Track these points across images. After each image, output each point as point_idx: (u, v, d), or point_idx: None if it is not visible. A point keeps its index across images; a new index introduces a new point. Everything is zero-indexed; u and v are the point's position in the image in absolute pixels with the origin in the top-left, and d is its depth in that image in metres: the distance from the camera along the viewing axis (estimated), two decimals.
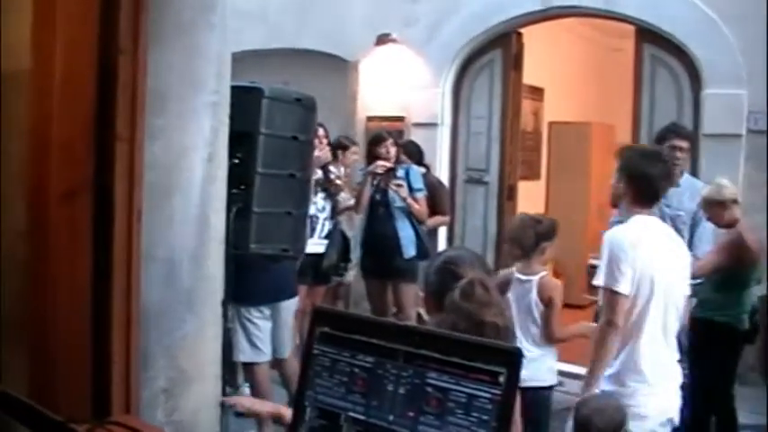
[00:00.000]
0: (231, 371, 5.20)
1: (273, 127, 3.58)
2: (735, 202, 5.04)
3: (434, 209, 6.96)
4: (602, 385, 3.63)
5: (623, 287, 3.56)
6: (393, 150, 6.65)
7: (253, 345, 4.88)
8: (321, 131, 6.09)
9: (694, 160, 6.14)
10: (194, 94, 2.75)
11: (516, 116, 8.53)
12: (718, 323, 5.00)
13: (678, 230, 5.65)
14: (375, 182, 6.58)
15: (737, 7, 6.74)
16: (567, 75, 10.38)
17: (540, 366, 4.37)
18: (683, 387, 4.87)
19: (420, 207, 6.60)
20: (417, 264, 6.56)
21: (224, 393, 3.27)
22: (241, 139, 3.33)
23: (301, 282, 5.62)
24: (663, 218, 5.67)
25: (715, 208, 5.05)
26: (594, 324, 4.21)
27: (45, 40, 2.50)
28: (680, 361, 3.83)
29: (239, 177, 3.35)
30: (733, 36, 6.80)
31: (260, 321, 4.90)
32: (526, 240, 4.49)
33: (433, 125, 8.49)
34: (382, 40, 8.73)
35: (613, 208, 4.06)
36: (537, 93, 10.10)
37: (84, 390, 2.50)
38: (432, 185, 7.07)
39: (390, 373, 1.69)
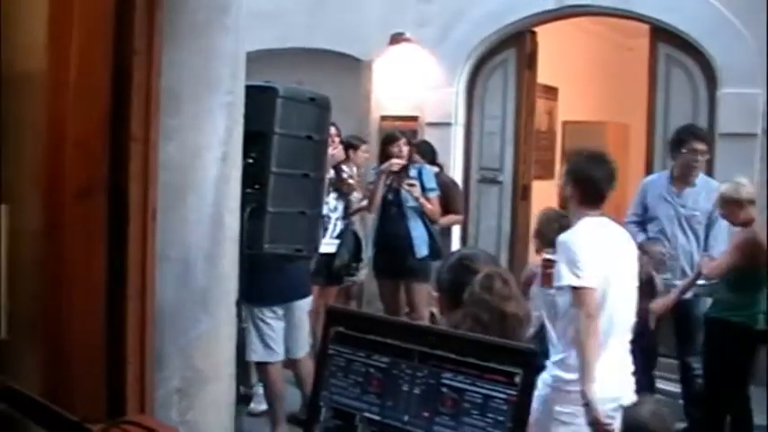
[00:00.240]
0: (244, 371, 5.21)
1: (288, 126, 3.57)
2: (751, 201, 5.02)
3: (448, 208, 6.94)
4: (554, 371, 3.74)
5: (587, 281, 3.64)
6: (406, 149, 6.65)
7: (266, 345, 4.88)
8: (333, 130, 6.09)
9: (709, 160, 6.10)
10: (209, 94, 2.75)
11: (530, 116, 8.51)
12: (733, 323, 4.97)
13: (693, 230, 5.66)
14: (388, 181, 6.57)
15: (754, 6, 6.69)
16: (581, 74, 10.35)
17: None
18: (687, 384, 4.85)
19: (433, 207, 6.59)
20: (430, 263, 6.55)
21: (238, 393, 3.27)
22: (255, 139, 3.33)
23: (314, 282, 5.62)
24: (678, 218, 5.69)
25: (731, 206, 5.03)
26: None
27: (60, 41, 2.50)
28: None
29: (253, 177, 3.35)
30: (749, 35, 6.76)
31: (273, 321, 4.90)
32: (551, 234, 4.50)
33: (446, 125, 8.47)
34: (396, 39, 8.72)
35: (561, 209, 4.25)
36: (551, 92, 10.07)
37: (98, 389, 2.51)
38: (445, 185, 7.06)
39: (405, 374, 1.69)
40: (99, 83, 2.46)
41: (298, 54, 9.09)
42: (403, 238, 6.48)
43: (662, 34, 7.45)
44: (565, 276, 3.68)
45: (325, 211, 5.88)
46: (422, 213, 6.54)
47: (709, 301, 5.31)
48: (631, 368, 3.87)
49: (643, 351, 5.00)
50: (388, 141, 6.75)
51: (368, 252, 6.86)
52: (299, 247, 3.69)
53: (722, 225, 5.40)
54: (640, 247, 5.88)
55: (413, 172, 6.63)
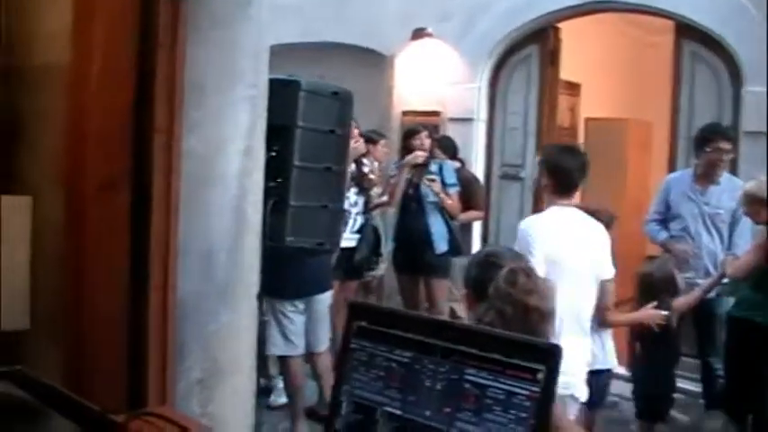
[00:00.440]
0: (263, 364, 5.22)
1: (310, 120, 3.57)
2: None
3: (469, 204, 6.93)
4: None
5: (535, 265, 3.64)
6: (428, 143, 6.64)
7: (286, 338, 4.89)
8: (352, 124, 6.08)
9: (733, 158, 6.04)
10: (232, 87, 2.75)
11: (553, 112, 8.47)
12: (755, 323, 4.93)
13: (717, 229, 5.62)
14: (409, 175, 6.57)
15: None
16: (604, 70, 10.28)
17: (595, 350, 4.41)
18: (708, 383, 4.82)
19: (453, 202, 6.58)
20: (449, 259, 6.55)
21: (258, 386, 3.28)
22: (278, 132, 3.32)
23: (334, 276, 5.62)
24: (702, 216, 5.65)
25: (755, 204, 4.99)
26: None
27: (84, 33, 2.52)
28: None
29: (276, 170, 3.34)
30: None
31: (294, 315, 4.90)
32: None
33: (468, 120, 8.44)
34: (418, 34, 8.70)
35: (538, 200, 4.42)
36: (573, 88, 10.01)
37: (120, 381, 2.52)
38: (466, 180, 7.04)
39: (428, 369, 1.68)
40: (122, 75, 2.47)
41: (320, 48, 9.09)
42: (422, 233, 6.47)
43: (686, 31, 7.38)
44: None
45: (345, 205, 5.88)
46: (442, 209, 6.53)
47: (731, 300, 5.27)
48: (588, 358, 3.97)
49: (664, 350, 4.99)
50: (409, 135, 6.75)
51: (387, 247, 6.86)
52: (321, 241, 3.69)
53: (746, 224, 5.36)
54: (663, 245, 5.87)
55: (433, 167, 6.62)
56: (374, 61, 8.93)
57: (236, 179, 2.72)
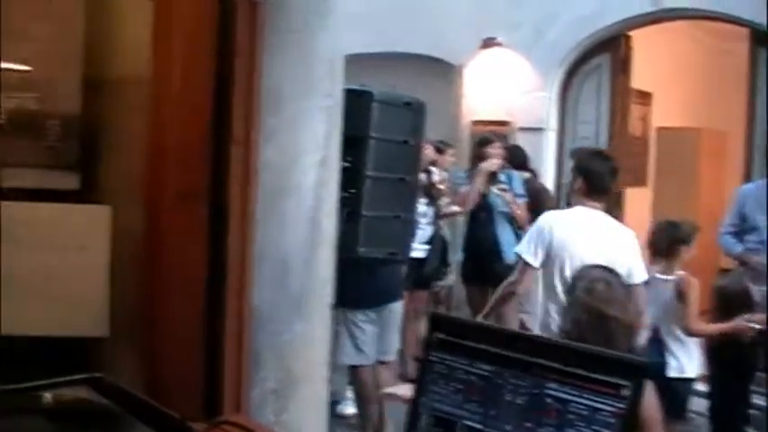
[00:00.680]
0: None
1: (383, 131, 3.57)
2: None
3: (538, 214, 6.86)
4: None
5: (531, 259, 4.18)
6: (500, 153, 6.62)
7: (357, 348, 4.89)
8: None
9: None
10: (308, 97, 2.76)
11: (624, 121, 8.38)
12: None
13: None
14: (481, 186, 6.55)
15: None
16: (676, 78, 10.13)
17: (681, 359, 4.64)
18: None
19: (521, 213, 6.54)
20: None
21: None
22: (351, 143, 3.33)
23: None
24: None
25: None
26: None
27: (163, 44, 2.54)
28: None
29: (349, 181, 3.35)
30: None
31: (365, 325, 4.90)
32: (662, 244, 4.79)
33: (538, 130, 8.39)
34: (487, 43, 8.69)
35: (569, 205, 4.56)
36: (645, 97, 9.88)
37: (196, 389, 2.54)
38: (536, 191, 6.99)
39: (509, 383, 1.66)
40: (201, 85, 2.49)
41: (389, 58, 9.11)
42: (491, 243, 6.45)
43: (762, 38, 7.23)
44: (522, 246, 4.26)
45: None
46: (511, 219, 6.49)
47: None
48: None
49: (738, 364, 4.90)
50: (482, 144, 6.74)
51: (455, 257, 6.84)
52: (394, 251, 3.69)
53: None
54: (738, 258, 5.76)
55: (502, 177, 6.59)
56: (443, 71, 8.93)
57: (312, 190, 2.73)
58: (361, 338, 4.88)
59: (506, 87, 8.58)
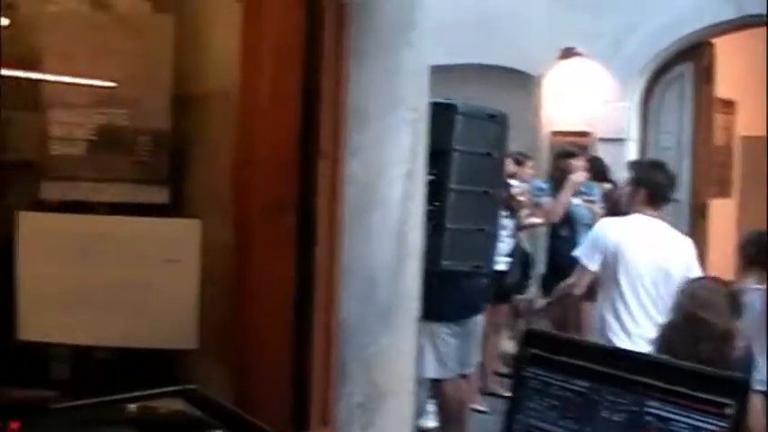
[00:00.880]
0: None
1: (467, 143, 3.56)
2: None
3: None
4: None
5: (591, 264, 4.46)
6: (582, 165, 6.55)
7: (440, 361, 4.87)
8: None
9: None
10: (393, 110, 2.75)
11: (708, 131, 8.21)
12: None
13: None
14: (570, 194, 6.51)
15: None
16: (760, 86, 9.89)
17: None
18: None
19: None
20: None
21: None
22: (435, 156, 3.32)
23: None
24: None
25: None
26: None
27: (252, 58, 2.57)
28: None
29: (433, 194, 3.34)
30: None
31: (449, 338, 4.88)
32: (752, 254, 4.78)
33: (619, 140, 8.28)
34: (566, 53, 8.61)
35: (625, 214, 4.70)
36: (728, 106, 9.67)
37: (283, 401, 2.55)
38: (616, 202, 6.87)
39: (606, 400, 1.63)
40: (289, 100, 2.51)
41: (466, 70, 9.08)
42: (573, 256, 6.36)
43: None
44: (580, 251, 4.55)
45: None
46: None
47: None
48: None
49: None
50: (564, 156, 6.68)
51: (536, 270, 6.78)
52: (478, 264, 3.67)
53: None
54: None
55: (583, 189, 6.52)
56: (521, 82, 8.87)
57: (399, 203, 2.72)
58: (444, 351, 4.86)
59: (586, 98, 8.49)
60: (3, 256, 2.72)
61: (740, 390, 1.49)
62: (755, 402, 1.99)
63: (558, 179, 6.59)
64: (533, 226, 6.76)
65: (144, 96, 2.83)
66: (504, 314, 6.63)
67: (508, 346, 7.47)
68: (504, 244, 6.30)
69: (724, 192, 9.61)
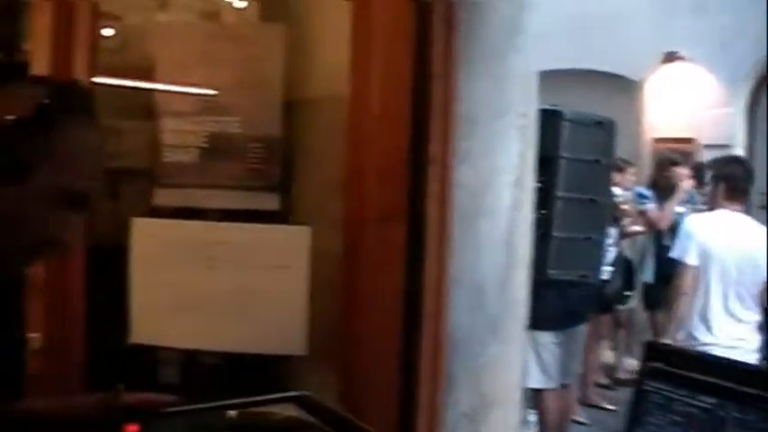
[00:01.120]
0: None
1: (574, 150, 3.49)
2: None
3: None
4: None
5: (690, 259, 4.46)
6: (687, 173, 6.42)
7: (544, 370, 4.80)
8: None
9: None
10: (502, 117, 2.73)
11: None
12: None
13: None
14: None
15: None
16: None
17: None
18: None
19: None
20: None
21: None
22: (541, 163, 3.27)
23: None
24: None
25: None
26: None
27: (363, 68, 2.57)
28: None
29: (539, 201, 3.29)
30: None
31: (553, 347, 4.81)
32: None
33: (725, 147, 8.03)
34: (669, 58, 8.43)
35: (710, 210, 4.78)
36: None
37: (391, 410, 2.54)
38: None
39: (733, 417, 1.57)
40: (399, 108, 2.51)
41: (565, 76, 8.96)
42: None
43: None
44: (677, 251, 4.59)
45: None
46: None
47: None
48: (737, 336, 4.41)
49: None
50: (668, 163, 6.55)
51: (640, 279, 6.64)
52: (585, 273, 3.60)
53: None
54: None
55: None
56: (622, 87, 8.72)
57: (507, 212, 2.69)
58: (548, 361, 4.79)
59: (690, 103, 8.30)
60: (117, 262, 2.78)
61: None
62: None
63: (662, 187, 6.46)
64: (636, 234, 6.63)
65: (255, 104, 2.87)
66: (605, 324, 6.51)
67: (609, 357, 7.35)
68: (608, 252, 6.20)
69: None
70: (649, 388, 1.71)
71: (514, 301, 2.78)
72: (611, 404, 6.50)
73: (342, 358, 2.64)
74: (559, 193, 3.44)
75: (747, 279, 4.43)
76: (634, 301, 6.94)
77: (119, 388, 1.65)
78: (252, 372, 2.87)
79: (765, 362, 4.57)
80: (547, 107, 3.52)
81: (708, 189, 4.87)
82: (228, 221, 2.82)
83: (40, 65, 2.52)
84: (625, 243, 6.65)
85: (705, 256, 4.44)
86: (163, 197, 2.93)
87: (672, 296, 4.70)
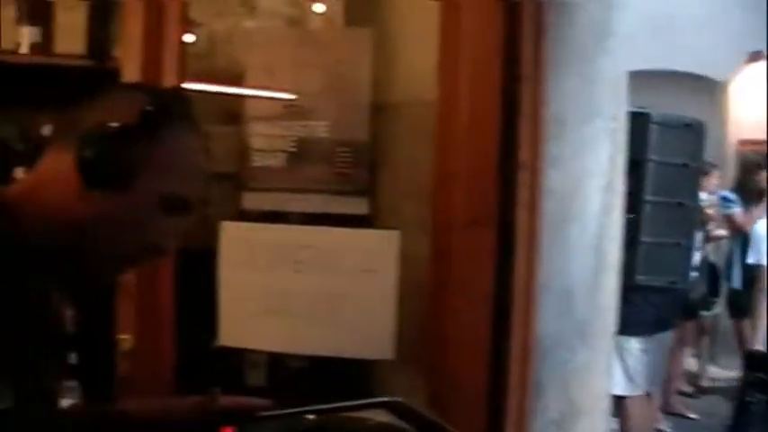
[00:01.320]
0: None
1: (662, 153, 3.44)
2: None
3: None
4: None
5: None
6: None
7: (629, 377, 4.72)
8: None
9: None
10: (591, 120, 2.69)
11: None
12: None
13: None
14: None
15: None
16: None
17: None
18: None
19: None
20: None
21: None
22: (629, 166, 3.23)
23: None
24: None
25: None
26: None
27: (451, 72, 2.56)
28: None
29: (627, 205, 3.25)
30: None
31: (640, 353, 4.73)
32: None
33: None
34: (754, 57, 8.24)
35: None
36: None
37: (479, 416, 2.53)
38: None
39: None
40: (488, 111, 2.49)
41: (649, 76, 8.81)
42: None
43: None
44: (752, 254, 4.88)
45: None
46: None
47: None
48: None
49: None
50: (756, 166, 6.42)
51: (725, 284, 6.50)
52: (673, 279, 3.54)
53: None
54: None
55: None
56: (705, 87, 8.54)
57: (597, 216, 2.65)
58: (634, 367, 4.71)
59: None
60: (206, 265, 2.82)
61: None
62: None
63: (749, 190, 6.32)
64: (720, 238, 6.49)
65: (342, 108, 2.88)
66: (690, 331, 6.38)
67: (692, 364, 7.20)
68: (693, 257, 6.09)
69: None
70: (752, 399, 1.68)
71: (603, 308, 2.74)
72: (694, 413, 6.37)
73: (429, 363, 2.63)
74: (648, 197, 3.40)
75: None
76: (718, 308, 6.80)
77: (215, 391, 1.66)
78: (337, 375, 2.88)
79: None
80: (634, 109, 3.47)
81: None
82: (316, 225, 2.83)
83: (129, 71, 2.56)
84: (709, 248, 6.52)
85: None
86: (251, 201, 2.96)
87: (755, 302, 4.63)
